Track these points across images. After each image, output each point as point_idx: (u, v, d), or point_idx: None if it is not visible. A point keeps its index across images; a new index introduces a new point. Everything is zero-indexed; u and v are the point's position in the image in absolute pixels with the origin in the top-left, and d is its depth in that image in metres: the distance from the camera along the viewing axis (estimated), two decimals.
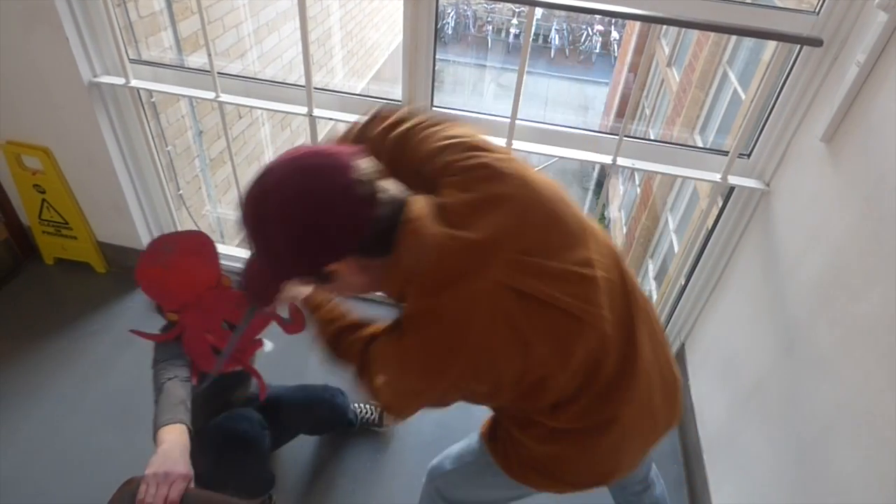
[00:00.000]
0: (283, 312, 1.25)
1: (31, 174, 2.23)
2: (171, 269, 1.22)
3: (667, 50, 8.38)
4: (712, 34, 5.55)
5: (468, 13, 14.57)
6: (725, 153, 1.80)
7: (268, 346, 1.35)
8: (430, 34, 1.80)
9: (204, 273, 1.23)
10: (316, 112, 1.96)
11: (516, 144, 1.87)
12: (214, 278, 1.23)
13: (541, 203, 0.88)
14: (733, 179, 1.80)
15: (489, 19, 14.54)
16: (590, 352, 0.89)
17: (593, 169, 9.78)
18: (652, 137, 7.98)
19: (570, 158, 1.89)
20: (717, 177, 1.80)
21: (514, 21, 14.64)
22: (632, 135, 1.87)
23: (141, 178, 2.31)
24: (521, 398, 0.90)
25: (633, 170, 1.89)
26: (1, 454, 1.81)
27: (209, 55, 1.92)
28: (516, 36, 14.34)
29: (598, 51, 14.13)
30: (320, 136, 2.09)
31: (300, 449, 1.90)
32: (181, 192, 2.47)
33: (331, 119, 1.99)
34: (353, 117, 1.97)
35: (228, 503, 0.93)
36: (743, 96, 4.95)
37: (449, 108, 1.94)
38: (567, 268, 0.85)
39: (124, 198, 2.27)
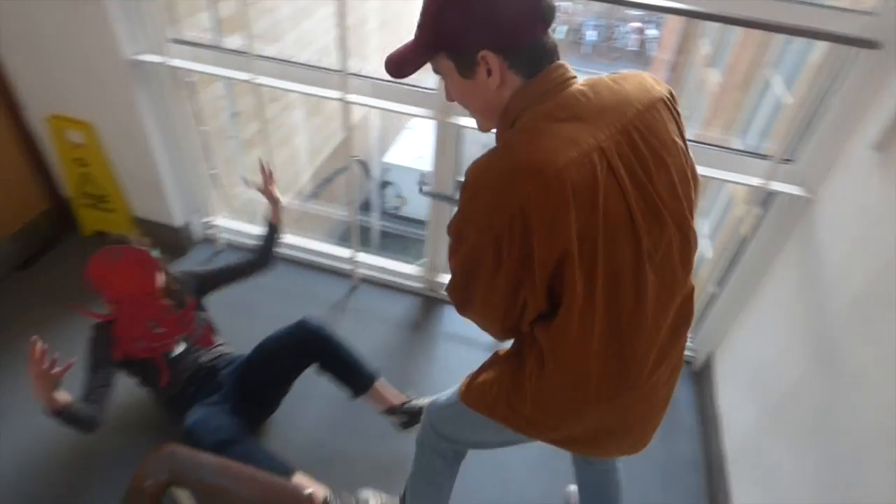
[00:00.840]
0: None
1: (74, 148, 2.28)
2: (116, 271, 1.59)
3: (707, 49, 8.19)
4: (757, 33, 5.39)
5: None
6: (767, 158, 1.75)
7: (178, 348, 1.70)
8: None
9: (142, 281, 1.61)
10: (349, 97, 1.96)
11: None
12: (150, 288, 1.62)
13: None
14: (776, 185, 1.74)
15: None
16: (613, 266, 0.87)
17: None
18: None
19: None
20: (759, 182, 1.75)
21: None
22: None
23: (177, 157, 2.35)
24: (543, 282, 0.87)
25: None
26: (29, 417, 1.87)
27: (246, 37, 1.94)
28: (553, 30, 14.19)
29: (632, 48, 13.91)
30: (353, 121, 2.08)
31: (326, 431, 1.92)
32: (215, 171, 2.50)
33: (364, 105, 1.99)
34: (386, 104, 1.98)
35: (256, 478, 0.94)
36: (787, 99, 4.81)
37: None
38: (653, 196, 0.88)
39: (160, 175, 2.31)
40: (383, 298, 2.45)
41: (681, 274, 0.95)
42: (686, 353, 2.26)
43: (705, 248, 5.65)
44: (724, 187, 5.49)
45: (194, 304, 1.76)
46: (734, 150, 1.84)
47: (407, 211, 6.53)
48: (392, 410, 1.79)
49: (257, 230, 2.60)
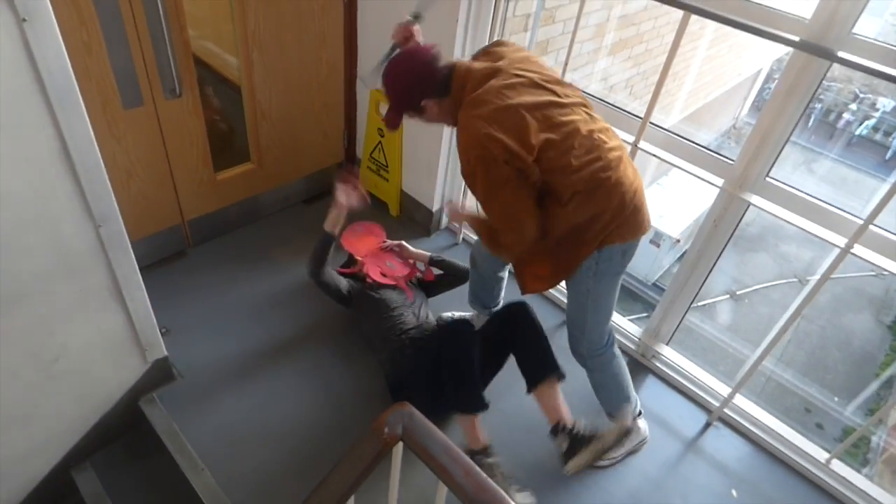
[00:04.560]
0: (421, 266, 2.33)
1: (381, 119, 2.64)
2: (359, 238, 2.36)
3: None
4: None
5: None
6: None
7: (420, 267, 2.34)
8: (796, 111, 1.66)
9: (375, 242, 2.35)
10: (642, 144, 1.96)
11: (861, 250, 1.62)
12: (380, 244, 2.34)
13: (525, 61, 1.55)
14: None
15: (820, 97, 12.77)
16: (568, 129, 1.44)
17: None
18: None
19: None
20: None
21: (853, 106, 12.59)
22: None
23: (455, 152, 2.57)
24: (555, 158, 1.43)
25: None
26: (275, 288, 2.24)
27: (564, 66, 2.06)
28: (849, 122, 12.37)
29: None
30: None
31: None
32: None
33: (654, 155, 1.97)
34: (676, 160, 1.93)
35: (473, 471, 0.99)
36: None
37: (787, 185, 1.77)
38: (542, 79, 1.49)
39: (438, 163, 2.56)
40: None
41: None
42: None
43: None
44: None
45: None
46: None
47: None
48: (559, 427, 1.74)
49: None
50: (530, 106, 1.41)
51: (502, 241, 1.53)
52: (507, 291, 2.20)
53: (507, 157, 1.38)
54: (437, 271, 2.32)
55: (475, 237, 2.02)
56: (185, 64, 2.04)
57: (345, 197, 2.00)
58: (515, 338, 1.85)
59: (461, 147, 1.46)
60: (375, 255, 2.30)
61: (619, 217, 1.48)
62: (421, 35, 1.66)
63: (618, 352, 1.79)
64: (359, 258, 2.31)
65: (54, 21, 1.17)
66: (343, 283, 2.17)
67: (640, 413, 1.92)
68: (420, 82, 1.50)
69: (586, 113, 1.51)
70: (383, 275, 2.20)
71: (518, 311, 1.86)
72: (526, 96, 1.42)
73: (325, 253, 2.07)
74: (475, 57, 1.62)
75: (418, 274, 2.31)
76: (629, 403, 1.84)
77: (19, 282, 1.39)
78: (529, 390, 1.81)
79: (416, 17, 1.66)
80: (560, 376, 1.79)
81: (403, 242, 2.33)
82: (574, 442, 1.71)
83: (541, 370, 1.79)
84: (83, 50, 1.76)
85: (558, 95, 1.47)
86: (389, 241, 2.35)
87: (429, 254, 2.29)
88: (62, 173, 1.32)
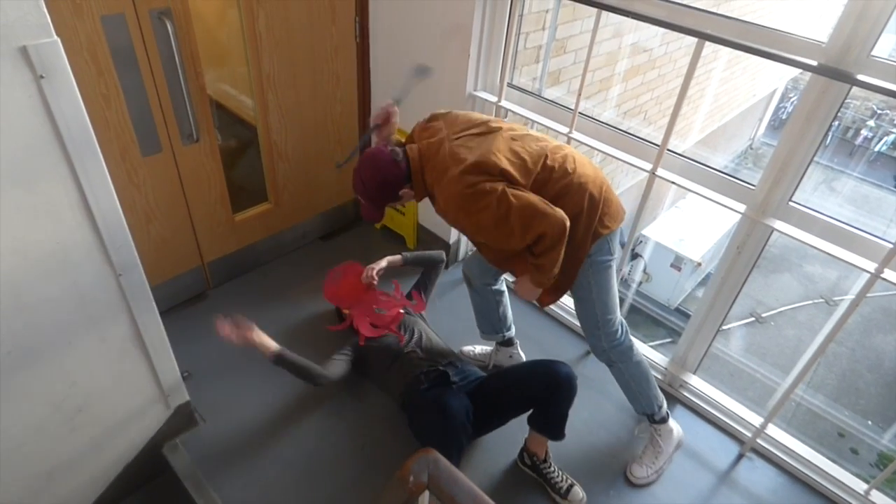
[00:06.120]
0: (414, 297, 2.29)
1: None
2: (340, 285, 2.21)
3: None
4: None
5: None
6: None
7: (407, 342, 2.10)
8: (817, 135, 1.63)
9: (358, 284, 2.19)
10: (660, 172, 1.93)
11: (891, 275, 1.56)
12: (363, 288, 2.18)
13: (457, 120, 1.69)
14: None
15: (838, 115, 12.58)
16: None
17: None
18: None
19: None
20: None
21: (871, 123, 12.39)
22: None
23: None
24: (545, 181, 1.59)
25: None
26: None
27: (577, 96, 2.05)
28: (867, 139, 12.18)
29: None
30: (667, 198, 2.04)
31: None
32: None
33: (673, 182, 1.94)
34: (694, 186, 1.90)
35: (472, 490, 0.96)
36: None
37: (811, 209, 1.73)
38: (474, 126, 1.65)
39: None
40: None
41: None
42: None
43: None
44: None
45: (398, 284, 2.29)
46: None
47: (648, 288, 6.20)
48: (535, 457, 1.88)
49: None
50: (485, 151, 1.54)
51: (548, 242, 1.54)
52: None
53: (490, 179, 1.51)
54: (419, 267, 2.38)
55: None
56: (201, 109, 2.08)
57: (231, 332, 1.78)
58: (549, 399, 1.77)
59: (457, 212, 1.57)
60: (361, 300, 2.17)
61: (596, 211, 1.63)
62: (398, 116, 1.77)
63: (635, 345, 1.90)
64: (345, 311, 2.24)
65: (71, 77, 1.19)
66: (342, 365, 2.01)
67: (667, 415, 1.97)
68: (392, 178, 1.62)
69: (521, 132, 1.65)
70: (374, 325, 2.09)
71: (566, 380, 1.75)
72: (475, 148, 1.56)
73: (299, 369, 1.87)
74: (415, 131, 1.75)
75: (408, 308, 2.23)
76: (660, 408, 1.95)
77: (40, 333, 1.39)
78: (529, 426, 1.87)
79: (397, 102, 1.75)
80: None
81: (374, 266, 2.20)
82: (536, 470, 1.89)
83: (552, 431, 1.83)
84: (102, 102, 1.80)
85: (495, 130, 1.63)
86: (366, 273, 2.19)
87: (400, 256, 2.28)
88: (82, 224, 1.33)
